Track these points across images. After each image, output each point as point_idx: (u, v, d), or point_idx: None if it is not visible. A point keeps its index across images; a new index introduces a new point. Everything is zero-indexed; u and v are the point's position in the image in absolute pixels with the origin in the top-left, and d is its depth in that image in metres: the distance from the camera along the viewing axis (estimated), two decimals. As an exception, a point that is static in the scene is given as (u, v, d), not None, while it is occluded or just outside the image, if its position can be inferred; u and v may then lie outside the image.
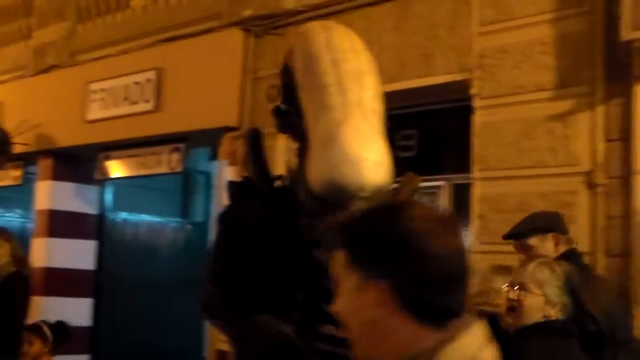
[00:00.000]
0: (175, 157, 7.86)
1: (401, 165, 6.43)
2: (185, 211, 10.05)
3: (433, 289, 1.39)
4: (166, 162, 7.95)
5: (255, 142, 2.65)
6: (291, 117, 2.45)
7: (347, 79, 2.34)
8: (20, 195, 10.47)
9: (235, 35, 7.08)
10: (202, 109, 7.34)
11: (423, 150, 6.18)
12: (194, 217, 9.95)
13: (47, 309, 8.96)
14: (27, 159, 9.48)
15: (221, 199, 7.47)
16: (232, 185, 2.63)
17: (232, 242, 2.48)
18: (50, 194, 9.12)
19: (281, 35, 6.83)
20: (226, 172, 7.33)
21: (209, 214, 9.68)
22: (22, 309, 5.83)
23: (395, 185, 2.47)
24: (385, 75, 5.92)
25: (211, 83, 7.30)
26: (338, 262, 1.47)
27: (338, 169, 2.20)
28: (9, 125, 9.21)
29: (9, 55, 9.93)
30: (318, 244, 2.17)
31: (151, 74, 7.77)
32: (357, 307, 1.43)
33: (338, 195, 2.20)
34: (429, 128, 6.17)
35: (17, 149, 9.09)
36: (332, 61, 2.38)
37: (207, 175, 9.74)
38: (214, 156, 9.10)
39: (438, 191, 6.05)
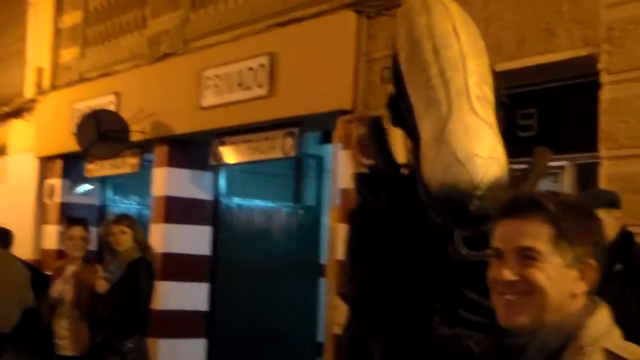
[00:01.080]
0: (289, 141, 7.88)
1: (521, 144, 6.24)
2: (297, 195, 10.09)
3: None
4: (280, 147, 7.98)
5: (377, 131, 2.56)
6: (403, 112, 2.36)
7: (449, 68, 2.23)
8: (137, 182, 10.74)
9: (348, 17, 7.03)
10: (315, 93, 7.33)
11: (544, 129, 5.98)
12: (306, 201, 9.98)
13: (164, 293, 9.16)
14: (143, 147, 9.70)
15: (334, 183, 7.46)
16: (359, 179, 2.54)
17: (365, 242, 2.41)
18: (166, 180, 9.30)
19: (394, 16, 6.73)
20: (340, 156, 7.30)
21: (321, 198, 9.71)
22: (147, 293, 5.94)
23: (525, 164, 2.35)
24: (504, 52, 5.80)
25: (324, 66, 7.26)
26: (538, 234, 1.62)
27: (449, 170, 2.12)
28: (126, 114, 9.45)
29: (124, 45, 10.17)
30: (447, 239, 2.13)
31: (264, 59, 7.80)
32: (563, 280, 1.62)
33: (454, 196, 2.12)
34: (550, 106, 5.96)
35: (134, 137, 9.31)
36: (433, 50, 2.27)
37: (319, 159, 9.76)
38: (325, 139, 9.10)
39: (561, 171, 5.85)
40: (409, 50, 2.32)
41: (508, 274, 1.63)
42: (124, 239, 5.87)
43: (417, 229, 2.24)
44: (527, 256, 1.62)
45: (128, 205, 11.43)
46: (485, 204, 2.07)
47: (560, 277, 1.62)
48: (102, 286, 5.76)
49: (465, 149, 2.12)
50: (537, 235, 1.63)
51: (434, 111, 2.19)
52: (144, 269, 5.89)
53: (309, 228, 9.52)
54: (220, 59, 8.37)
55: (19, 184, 12.19)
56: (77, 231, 6.39)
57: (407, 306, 2.27)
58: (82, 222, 6.63)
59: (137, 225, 6.14)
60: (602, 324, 1.64)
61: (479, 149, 2.13)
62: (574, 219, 1.66)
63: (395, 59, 2.41)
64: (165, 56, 9.29)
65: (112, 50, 10.38)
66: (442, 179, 2.13)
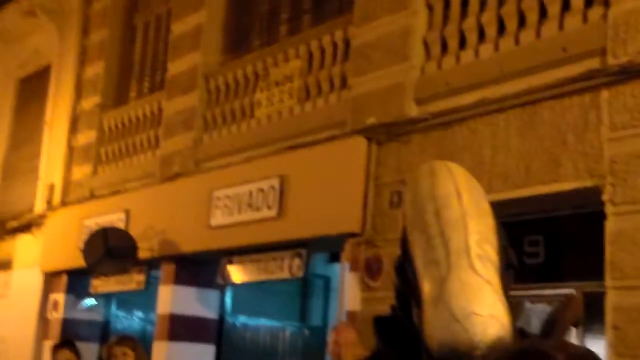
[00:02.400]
0: (297, 262, 7.97)
1: (528, 271, 6.30)
2: (303, 315, 10.10)
3: None
4: (287, 267, 8.06)
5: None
6: (409, 275, 2.30)
7: (449, 228, 2.20)
8: (142, 297, 10.74)
9: (358, 143, 7.24)
10: (324, 215, 7.47)
11: (550, 257, 6.09)
12: (312, 321, 9.97)
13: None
14: (151, 264, 9.77)
15: (341, 304, 7.50)
16: (379, 324, 2.60)
17: None
18: (171, 298, 9.33)
19: (404, 143, 6.96)
20: (347, 278, 7.38)
21: (328, 318, 9.71)
22: None
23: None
24: (511, 181, 5.97)
25: (334, 189, 7.44)
26: None
27: (447, 329, 2.06)
28: (135, 231, 9.57)
29: (137, 163, 10.40)
30: None
31: (275, 181, 7.99)
32: None
33: (453, 357, 2.07)
34: (557, 234, 6.10)
35: (142, 254, 9.39)
36: (434, 211, 2.24)
37: (326, 279, 9.81)
38: (332, 259, 9.19)
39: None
40: (412, 213, 2.32)
41: None
42: None
43: None
44: None
45: (132, 321, 11.39)
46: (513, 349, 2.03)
47: None
48: None
49: (463, 307, 2.06)
50: None
51: (433, 270, 2.17)
52: None
53: (314, 348, 9.48)
54: (231, 180, 8.55)
55: (23, 299, 12.17)
56: (62, 355, 6.40)
57: None
58: (68, 345, 6.64)
59: (140, 347, 6.08)
60: None
61: (478, 307, 2.07)
62: None
63: (404, 224, 2.42)
64: (177, 176, 9.49)
65: (124, 168, 10.61)
66: (440, 338, 2.08)
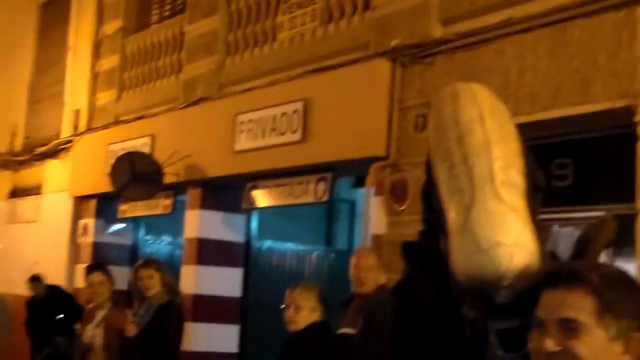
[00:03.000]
0: (322, 186, 7.92)
1: (556, 194, 6.19)
2: (329, 239, 10.11)
3: None
4: (312, 191, 8.02)
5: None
6: (434, 202, 2.27)
7: (473, 155, 2.15)
8: (169, 222, 10.82)
9: (383, 65, 7.09)
10: (349, 139, 7.38)
11: (579, 179, 5.97)
12: (337, 245, 9.99)
13: (195, 335, 9.19)
14: (177, 189, 9.79)
15: (366, 228, 7.47)
16: (407, 249, 2.44)
17: (406, 320, 2.31)
18: (198, 222, 9.38)
19: (428, 65, 6.80)
20: (372, 202, 7.33)
21: (353, 242, 9.71)
22: (176, 337, 5.95)
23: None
24: (538, 103, 5.81)
25: (358, 113, 7.32)
26: (581, 306, 1.63)
27: (472, 259, 2.03)
28: (161, 156, 9.56)
29: (160, 88, 10.33)
30: (482, 338, 2.05)
31: (298, 105, 7.89)
32: (606, 354, 1.62)
33: (479, 287, 2.03)
34: (586, 156, 5.96)
35: (168, 179, 9.40)
36: (456, 137, 2.20)
37: (351, 203, 9.78)
38: (357, 184, 9.13)
39: (597, 222, 5.80)
40: (435, 140, 2.29)
41: (550, 345, 1.63)
42: (152, 283, 5.87)
43: (454, 326, 2.15)
44: (570, 328, 1.63)
45: (159, 245, 11.51)
46: (513, 293, 2.01)
47: (604, 351, 1.61)
48: (131, 330, 5.77)
49: (488, 237, 2.03)
50: (580, 307, 1.63)
51: (458, 199, 2.13)
52: (173, 313, 5.89)
53: (340, 272, 9.48)
54: (255, 104, 8.46)
55: (53, 223, 12.34)
56: (95, 277, 6.48)
57: None
58: (99, 268, 6.73)
59: (165, 269, 6.16)
60: None
61: (503, 237, 2.03)
62: (618, 291, 1.65)
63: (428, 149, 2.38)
64: (200, 100, 9.41)
65: (148, 93, 10.55)
66: (466, 269, 2.05)
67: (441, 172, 2.22)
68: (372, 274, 5.32)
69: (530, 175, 2.22)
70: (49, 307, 9.73)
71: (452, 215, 2.13)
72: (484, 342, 2.05)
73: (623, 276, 1.71)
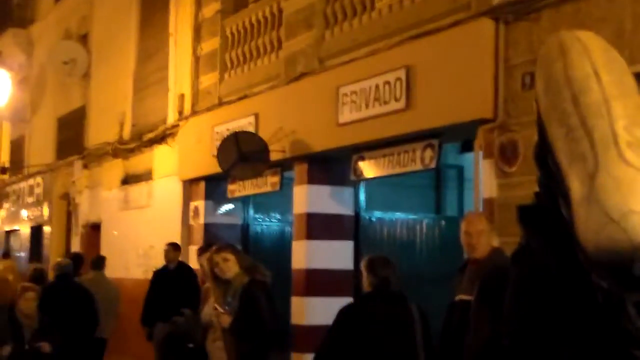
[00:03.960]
0: (429, 153, 7.85)
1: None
2: (438, 207, 10.03)
3: None
4: (419, 159, 7.96)
5: (543, 161, 2.23)
6: (551, 167, 2.11)
7: (591, 116, 1.98)
8: (278, 200, 10.95)
9: (485, 25, 6.95)
10: (454, 103, 7.28)
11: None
12: (447, 212, 9.90)
13: (308, 309, 9.30)
14: (283, 165, 9.89)
15: (477, 192, 7.36)
16: (523, 213, 2.38)
17: (529, 288, 2.16)
18: (307, 197, 9.45)
19: (534, 21, 6.62)
20: (482, 165, 7.22)
21: (463, 208, 9.60)
22: (269, 311, 5.88)
23: None
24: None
25: (463, 76, 7.21)
26: None
27: (604, 232, 1.87)
28: (265, 134, 9.67)
29: (261, 67, 10.43)
30: (618, 307, 1.91)
31: (401, 72, 7.82)
32: None
33: (613, 261, 1.88)
34: None
35: (274, 156, 9.50)
36: (571, 98, 2.02)
37: (459, 169, 9.67)
38: (465, 149, 9.01)
39: None
40: (546, 102, 2.11)
41: None
42: (229, 266, 5.83)
43: (583, 293, 2.02)
44: None
45: (269, 222, 11.67)
46: None
47: None
48: (225, 321, 5.77)
49: (619, 206, 1.87)
50: None
51: (580, 167, 1.97)
52: (258, 290, 5.83)
53: (451, 239, 9.40)
54: (356, 75, 8.44)
55: (165, 207, 12.67)
56: (203, 259, 6.57)
57: None
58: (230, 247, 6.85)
59: (239, 251, 6.14)
60: None
61: (635, 204, 1.86)
62: None
63: (538, 111, 2.20)
64: (302, 75, 9.45)
65: (250, 73, 10.67)
66: (597, 242, 1.89)
67: (557, 137, 2.05)
68: (483, 239, 5.25)
69: None
70: (175, 281, 9.91)
71: (575, 185, 1.98)
72: (620, 311, 1.92)
73: None
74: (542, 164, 2.16)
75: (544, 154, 2.14)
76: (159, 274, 10.33)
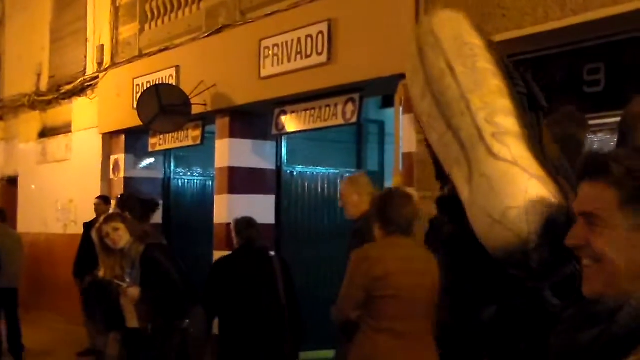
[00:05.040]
0: (350, 108, 7.88)
1: (587, 100, 6.07)
2: (360, 161, 10.10)
3: None
4: (341, 113, 7.98)
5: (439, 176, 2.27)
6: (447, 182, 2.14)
7: (453, 116, 2.00)
8: (199, 154, 10.87)
9: (407, -21, 6.96)
10: (375, 57, 7.29)
11: (611, 85, 5.87)
12: (369, 167, 9.98)
13: (231, 262, 9.29)
14: (205, 119, 9.80)
15: (397, 147, 7.43)
16: (440, 205, 2.25)
17: (463, 268, 2.16)
18: (228, 151, 9.40)
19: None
20: (402, 120, 7.27)
21: (384, 163, 9.70)
22: (174, 272, 5.69)
23: (625, 118, 2.16)
24: (568, 7, 5.67)
25: (384, 30, 7.22)
26: (601, 199, 1.53)
27: (492, 233, 1.88)
28: (187, 87, 9.54)
29: (182, 18, 10.25)
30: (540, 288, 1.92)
31: (323, 26, 7.79)
32: (629, 247, 1.52)
33: (510, 257, 1.89)
34: (618, 60, 5.84)
35: (196, 109, 9.40)
36: (435, 100, 2.04)
37: (380, 124, 9.75)
38: (385, 104, 9.07)
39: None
40: (415, 104, 2.12)
41: (573, 238, 1.58)
42: (120, 235, 5.58)
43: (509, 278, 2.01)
44: (591, 222, 1.55)
45: (191, 177, 11.58)
46: (546, 252, 1.85)
47: (627, 244, 1.51)
48: (134, 294, 5.55)
49: (496, 205, 1.86)
50: (600, 200, 1.54)
51: (457, 172, 1.98)
52: (157, 252, 5.66)
53: (372, 193, 9.53)
54: (279, 28, 8.38)
55: (85, 161, 12.45)
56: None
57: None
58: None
59: (128, 219, 5.92)
60: None
61: (511, 199, 1.85)
62: None
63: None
64: (223, 28, 9.33)
65: (170, 24, 10.47)
66: (488, 244, 1.91)
67: (433, 142, 2.06)
68: (350, 200, 5.43)
69: (522, 103, 2.03)
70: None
71: (460, 189, 1.99)
72: (539, 294, 1.94)
73: None
74: (438, 174, 2.14)
75: (436, 167, 2.14)
76: (89, 227, 10.17)
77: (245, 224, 6.26)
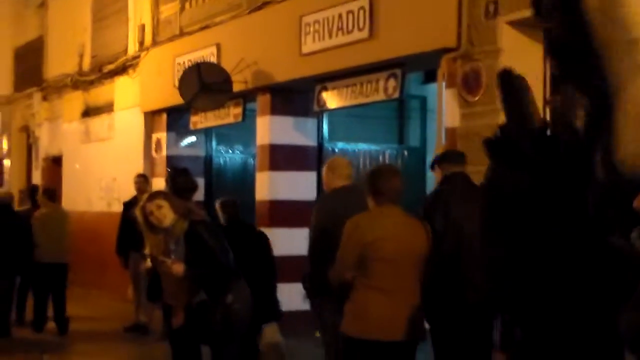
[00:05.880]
0: (392, 83, 7.84)
1: None
2: (401, 137, 10.06)
3: None
4: (383, 89, 7.95)
5: (509, 85, 2.25)
6: (586, 70, 2.00)
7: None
8: (241, 132, 10.91)
9: (449, -48, 6.88)
10: (417, 32, 7.25)
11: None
12: (410, 142, 9.95)
13: (273, 239, 9.26)
14: (246, 97, 9.82)
15: (439, 122, 7.39)
16: (490, 146, 2.28)
17: (501, 221, 2.14)
18: (269, 128, 9.42)
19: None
20: (445, 95, 7.23)
21: (426, 139, 9.65)
22: (219, 248, 5.65)
23: None
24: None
25: (425, 4, 7.17)
26: None
27: None
28: (228, 65, 9.56)
29: (223, -4, 10.26)
30: (613, 227, 1.85)
31: (364, 1, 7.75)
32: None
33: None
34: None
35: (236, 87, 9.42)
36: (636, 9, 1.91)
37: (422, 100, 9.69)
38: (428, 79, 9.01)
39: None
40: (605, 4, 1.98)
41: None
42: (164, 213, 5.50)
43: (571, 211, 1.97)
44: None
45: (233, 154, 11.64)
46: None
47: None
48: (179, 269, 5.51)
49: None
50: None
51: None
52: (201, 229, 5.72)
53: (414, 169, 9.48)
54: (319, 4, 8.35)
55: (127, 140, 12.56)
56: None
57: (557, 298, 2.05)
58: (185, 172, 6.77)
59: (171, 196, 5.93)
60: None
61: None
62: None
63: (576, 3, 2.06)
64: (264, 5, 9.32)
65: (211, 2, 10.48)
66: None
67: (615, 42, 1.94)
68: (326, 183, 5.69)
69: None
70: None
71: (633, 94, 1.87)
72: (611, 232, 1.87)
73: None
74: (565, 64, 2.06)
75: (577, 55, 2.02)
76: (129, 205, 10.30)
77: (229, 204, 6.75)
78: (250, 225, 7.12)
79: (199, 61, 9.98)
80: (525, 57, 6.29)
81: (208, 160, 11.51)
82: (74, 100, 14.35)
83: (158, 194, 5.92)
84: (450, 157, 5.53)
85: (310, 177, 9.44)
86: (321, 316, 5.45)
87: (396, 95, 7.85)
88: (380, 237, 4.42)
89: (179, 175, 6.80)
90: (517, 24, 6.45)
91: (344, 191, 5.37)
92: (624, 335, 1.64)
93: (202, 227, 5.78)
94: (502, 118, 2.62)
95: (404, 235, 4.46)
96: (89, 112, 13.92)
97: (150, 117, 11.93)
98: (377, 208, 4.55)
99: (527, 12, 6.33)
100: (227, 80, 9.43)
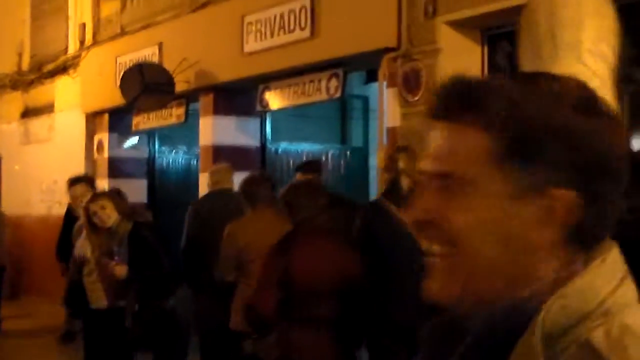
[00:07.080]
0: (334, 83, 7.86)
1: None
2: (344, 137, 10.10)
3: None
4: (325, 89, 7.97)
5: None
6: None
7: (561, 26, 1.97)
8: (184, 132, 10.82)
9: (389, -47, 6.93)
10: (358, 32, 7.27)
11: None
12: (353, 142, 9.99)
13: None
14: (189, 97, 9.75)
15: (381, 122, 7.43)
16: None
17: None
18: (212, 129, 9.36)
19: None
20: (386, 95, 7.27)
21: (368, 139, 9.70)
22: (162, 251, 5.66)
23: None
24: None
25: (366, 4, 7.20)
26: (469, 150, 1.00)
27: None
28: (170, 65, 9.48)
29: (165, -5, 10.17)
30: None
31: (306, 1, 7.76)
32: (504, 221, 0.98)
33: None
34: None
35: (179, 87, 9.35)
36: (549, 12, 2.01)
37: (364, 99, 9.74)
38: (370, 79, 9.06)
39: None
40: (524, 14, 2.10)
41: (419, 212, 1.04)
42: (107, 213, 5.53)
43: None
44: (448, 186, 1.02)
45: (175, 155, 11.54)
46: None
47: (503, 218, 0.99)
48: (120, 271, 5.50)
49: None
50: (466, 151, 1.01)
51: (536, 64, 1.97)
52: (145, 231, 5.66)
53: (356, 169, 9.54)
54: (261, 4, 8.33)
55: (68, 141, 12.37)
56: (78, 190, 6.45)
57: None
58: (84, 180, 6.67)
59: (115, 196, 5.89)
60: (587, 295, 0.96)
61: None
62: (534, 123, 0.98)
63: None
64: (206, 4, 9.27)
65: (152, 1, 10.39)
66: None
67: (524, 45, 2.06)
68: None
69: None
70: None
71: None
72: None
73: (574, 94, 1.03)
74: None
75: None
76: (70, 210, 10.13)
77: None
78: None
79: (140, 61, 9.88)
80: (464, 57, 6.38)
81: (151, 161, 11.40)
82: (13, 101, 14.07)
83: (102, 194, 5.86)
84: None
85: (253, 177, 9.39)
86: (198, 312, 6.00)
87: (338, 95, 7.88)
88: (253, 240, 4.95)
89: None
90: (455, 24, 6.53)
91: (210, 196, 6.18)
92: None
93: (146, 228, 5.74)
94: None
95: (275, 236, 4.58)
96: (28, 113, 13.66)
97: (92, 118, 11.77)
98: (252, 213, 5.20)
99: (465, 12, 6.46)
100: (169, 80, 9.34)
